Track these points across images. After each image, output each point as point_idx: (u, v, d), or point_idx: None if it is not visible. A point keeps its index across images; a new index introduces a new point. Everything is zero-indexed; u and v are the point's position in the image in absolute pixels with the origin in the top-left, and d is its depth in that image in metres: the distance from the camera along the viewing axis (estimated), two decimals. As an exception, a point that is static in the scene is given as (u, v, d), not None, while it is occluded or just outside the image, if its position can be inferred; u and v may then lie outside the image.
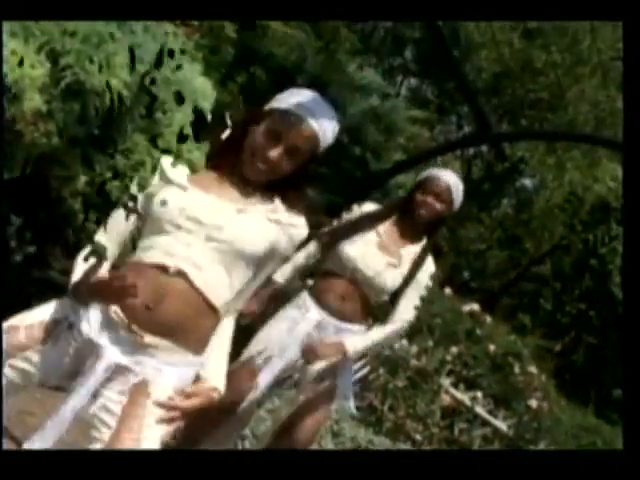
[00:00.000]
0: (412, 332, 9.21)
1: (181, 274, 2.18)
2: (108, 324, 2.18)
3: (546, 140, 11.92)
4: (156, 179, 2.32)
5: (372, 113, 7.46)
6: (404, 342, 8.96)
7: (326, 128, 2.30)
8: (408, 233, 3.87)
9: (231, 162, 2.32)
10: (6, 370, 2.17)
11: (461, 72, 5.48)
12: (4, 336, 2.17)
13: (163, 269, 2.20)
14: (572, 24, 12.15)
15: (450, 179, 3.86)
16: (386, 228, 3.89)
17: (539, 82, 13.59)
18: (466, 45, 13.95)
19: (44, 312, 2.25)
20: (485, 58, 13.94)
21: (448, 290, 11.28)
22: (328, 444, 6.38)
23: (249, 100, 5.64)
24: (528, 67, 13.63)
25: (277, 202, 2.31)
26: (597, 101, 12.75)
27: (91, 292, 2.19)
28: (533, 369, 10.41)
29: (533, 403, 9.82)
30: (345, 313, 3.85)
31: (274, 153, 2.23)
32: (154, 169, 2.37)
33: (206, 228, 2.21)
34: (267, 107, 2.32)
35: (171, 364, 2.20)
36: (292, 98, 2.31)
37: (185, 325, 2.20)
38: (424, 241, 3.86)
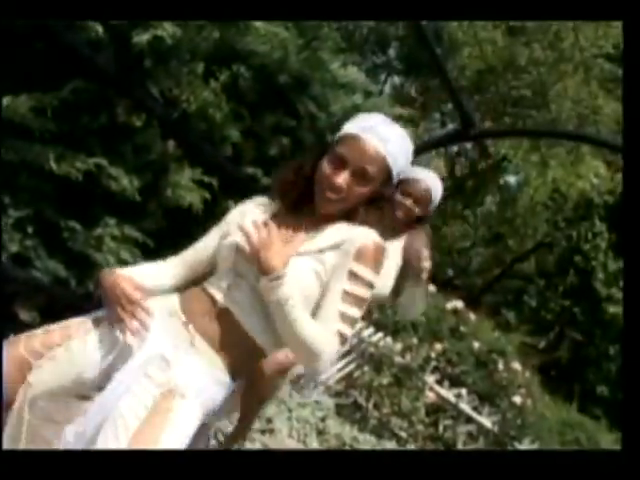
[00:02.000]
0: (396, 329, 9.24)
1: (226, 310, 2.22)
2: (165, 318, 2.23)
3: (532, 137, 11.95)
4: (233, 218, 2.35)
5: (355, 111, 7.42)
6: (388, 339, 8.98)
7: (394, 148, 2.24)
8: (388, 231, 3.81)
9: (303, 200, 2.30)
10: (35, 371, 2.15)
11: (444, 70, 5.47)
12: (39, 338, 2.19)
13: (214, 301, 2.24)
14: (554, 22, 12.19)
15: (431, 182, 3.78)
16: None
17: (522, 79, 13.63)
18: (449, 43, 13.99)
19: (83, 317, 2.28)
20: (468, 56, 13.97)
21: (432, 287, 11.31)
22: (313, 442, 6.39)
23: (232, 98, 5.63)
24: (511, 64, 13.67)
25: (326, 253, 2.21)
26: (579, 98, 12.79)
27: (107, 289, 2.24)
28: (517, 366, 10.46)
29: (517, 399, 9.87)
30: None
31: (340, 179, 2.18)
32: None
33: (252, 272, 2.19)
34: (337, 135, 2.29)
35: (208, 374, 2.19)
36: (356, 122, 2.29)
37: (231, 348, 2.21)
38: (404, 236, 3.76)
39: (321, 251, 2.20)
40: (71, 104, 5.01)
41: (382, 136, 2.23)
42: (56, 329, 2.23)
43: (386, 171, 2.24)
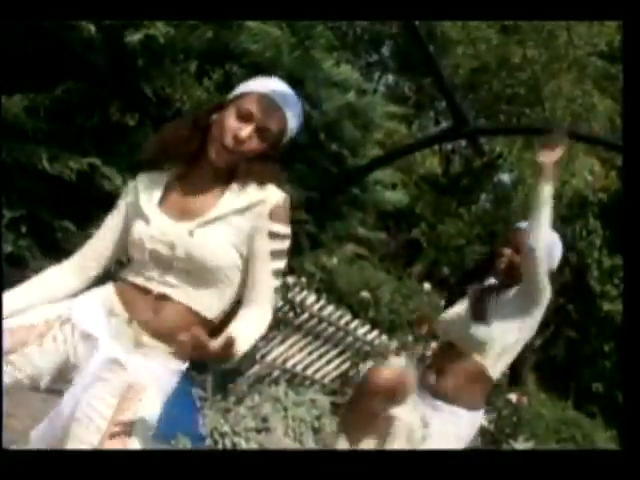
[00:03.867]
0: (392, 327, 9.23)
1: (164, 296, 2.24)
2: (108, 319, 2.25)
3: (526, 135, 11.94)
4: (129, 201, 2.35)
5: (349, 109, 7.42)
6: (384, 338, 8.96)
7: (294, 119, 2.31)
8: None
9: (198, 155, 2.29)
10: (5, 368, 2.17)
11: (437, 68, 5.48)
12: (7, 336, 2.19)
13: (147, 291, 2.26)
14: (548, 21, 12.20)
15: (534, 235, 3.50)
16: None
17: (516, 78, 13.63)
18: (443, 41, 13.97)
19: (47, 311, 2.28)
20: (462, 54, 13.95)
21: (427, 285, 11.31)
22: (309, 440, 6.39)
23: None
24: (505, 63, 13.66)
25: (251, 190, 2.27)
26: (573, 96, 12.78)
27: None
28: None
29: (513, 397, 9.86)
30: (439, 389, 3.61)
31: (244, 132, 2.21)
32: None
33: (170, 257, 2.24)
34: (236, 92, 2.31)
35: (163, 367, 2.24)
36: (266, 84, 2.32)
37: (180, 332, 2.15)
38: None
39: (227, 216, 2.25)
40: (64, 104, 5.01)
41: (287, 100, 2.30)
42: (23, 327, 2.24)
43: (282, 133, 2.30)
